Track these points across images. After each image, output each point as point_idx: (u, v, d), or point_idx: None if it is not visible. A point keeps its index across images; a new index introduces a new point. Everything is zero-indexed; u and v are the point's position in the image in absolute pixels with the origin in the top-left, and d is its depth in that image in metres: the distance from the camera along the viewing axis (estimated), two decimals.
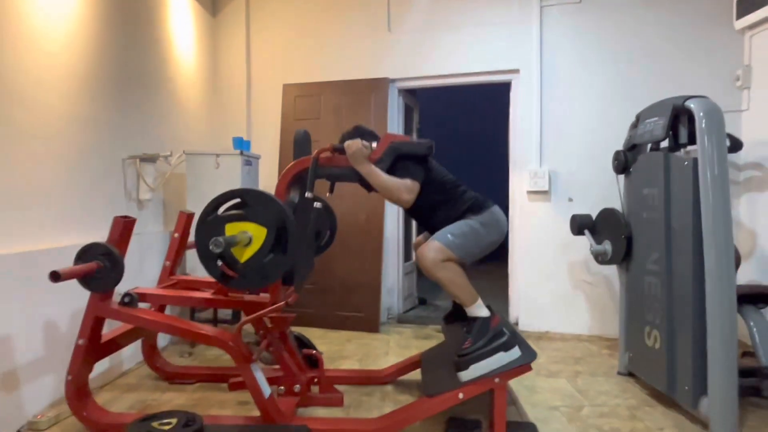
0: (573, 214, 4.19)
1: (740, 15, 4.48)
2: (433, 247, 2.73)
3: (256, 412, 2.73)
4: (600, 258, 3.92)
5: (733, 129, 4.20)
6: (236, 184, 4.38)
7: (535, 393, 3.48)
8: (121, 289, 2.89)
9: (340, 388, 3.31)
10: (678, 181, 3.12)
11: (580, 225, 4.09)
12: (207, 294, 3.29)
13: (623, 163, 3.76)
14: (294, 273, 2.85)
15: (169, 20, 4.83)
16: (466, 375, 2.61)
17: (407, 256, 5.92)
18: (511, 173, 5.27)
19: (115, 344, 3.15)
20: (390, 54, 5.40)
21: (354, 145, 2.83)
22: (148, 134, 4.41)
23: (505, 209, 5.19)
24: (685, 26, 4.76)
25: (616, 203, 3.88)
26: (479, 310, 2.76)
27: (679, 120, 3.20)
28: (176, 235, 3.75)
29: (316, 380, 3.29)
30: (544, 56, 5.05)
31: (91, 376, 2.93)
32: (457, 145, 9.39)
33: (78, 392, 2.79)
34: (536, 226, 5.11)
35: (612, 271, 4.48)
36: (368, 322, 5.08)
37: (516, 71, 5.16)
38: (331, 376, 3.39)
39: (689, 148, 3.16)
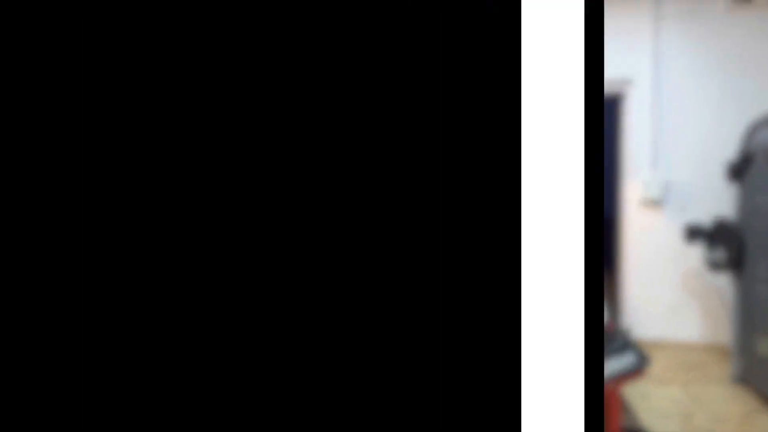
0: (686, 222, 4.23)
1: None
2: None
3: None
4: (713, 266, 3.94)
5: None
6: None
7: (647, 400, 3.57)
8: None
9: None
10: None
11: (693, 233, 4.13)
12: None
13: (737, 172, 3.78)
14: None
15: None
16: None
17: None
18: (623, 182, 5.31)
19: None
20: None
21: None
22: None
23: (616, 217, 5.30)
24: None
25: (730, 212, 3.89)
26: None
27: None
28: None
29: None
30: (658, 67, 5.06)
31: None
32: None
33: None
34: (648, 234, 5.12)
35: (725, 279, 4.47)
36: None
37: (629, 81, 5.19)
38: None
39: None
